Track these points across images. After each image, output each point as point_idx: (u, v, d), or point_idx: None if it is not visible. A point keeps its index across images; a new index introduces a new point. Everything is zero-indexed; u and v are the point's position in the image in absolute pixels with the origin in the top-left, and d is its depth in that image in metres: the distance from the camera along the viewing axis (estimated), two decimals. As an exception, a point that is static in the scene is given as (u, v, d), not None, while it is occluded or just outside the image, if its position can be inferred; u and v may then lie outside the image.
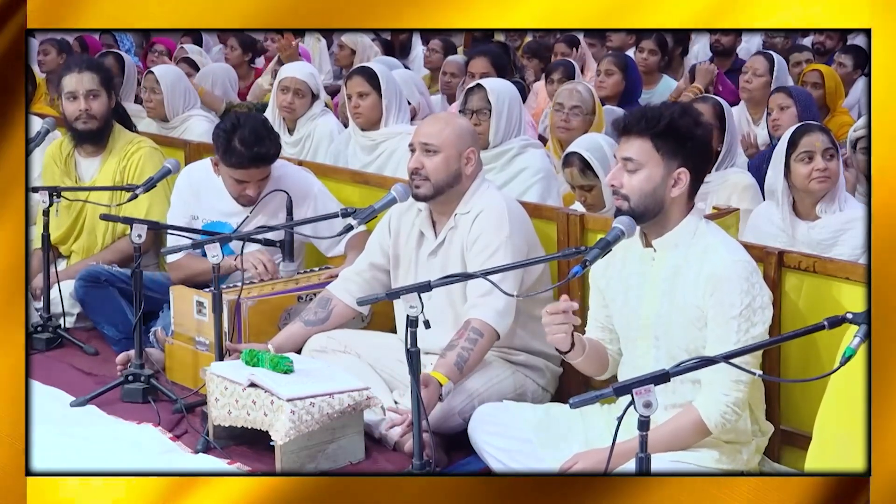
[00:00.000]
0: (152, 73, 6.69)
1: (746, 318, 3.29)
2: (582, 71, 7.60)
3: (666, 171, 3.35)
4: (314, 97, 6.03)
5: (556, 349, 3.49)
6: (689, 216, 3.42)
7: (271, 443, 3.74)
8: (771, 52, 7.06)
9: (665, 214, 3.40)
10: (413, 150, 4.11)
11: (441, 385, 3.77)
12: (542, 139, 6.04)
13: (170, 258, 4.91)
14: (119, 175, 5.22)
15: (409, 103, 6.21)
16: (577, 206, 4.61)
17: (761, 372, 3.18)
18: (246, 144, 4.62)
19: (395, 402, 4.03)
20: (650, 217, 3.39)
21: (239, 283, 4.39)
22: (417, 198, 4.11)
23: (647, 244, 3.47)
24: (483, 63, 6.68)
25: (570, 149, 4.59)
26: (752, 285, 3.32)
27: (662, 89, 7.71)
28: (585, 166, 4.49)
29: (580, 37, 8.12)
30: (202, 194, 4.90)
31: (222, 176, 4.80)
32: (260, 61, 9.34)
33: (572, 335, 3.41)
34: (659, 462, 3.04)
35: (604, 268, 3.58)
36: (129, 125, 5.53)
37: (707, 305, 3.34)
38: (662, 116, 3.35)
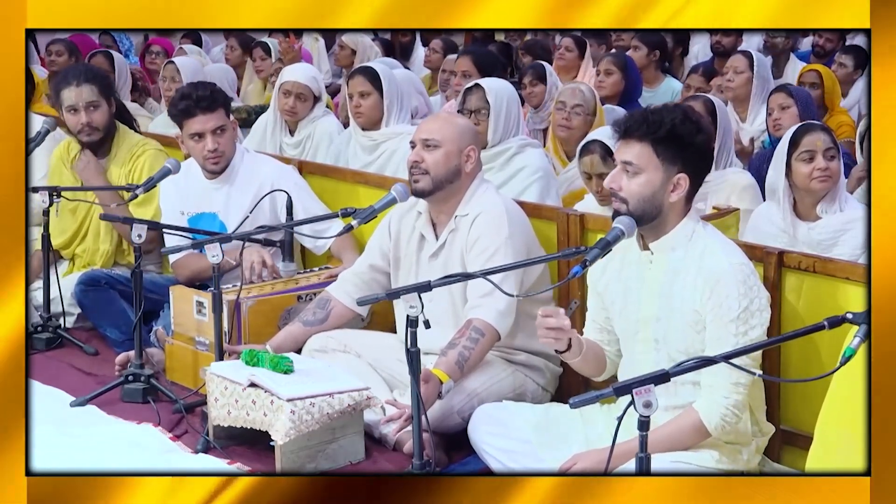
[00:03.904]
0: (173, 62, 6.74)
1: (744, 321, 3.29)
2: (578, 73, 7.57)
3: (665, 177, 3.35)
4: (316, 100, 6.00)
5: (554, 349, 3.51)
6: (686, 219, 3.42)
7: (271, 443, 3.74)
8: (749, 50, 7.04)
9: (663, 218, 3.39)
10: (413, 147, 4.12)
11: (441, 382, 3.78)
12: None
13: (172, 258, 4.92)
14: (125, 178, 5.19)
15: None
16: (586, 201, 4.59)
17: (761, 372, 3.20)
18: (184, 94, 4.85)
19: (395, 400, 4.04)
20: (648, 221, 3.39)
21: (238, 284, 4.40)
22: (416, 192, 4.10)
23: (645, 247, 3.47)
24: (465, 62, 6.54)
25: (591, 137, 4.56)
26: (749, 288, 3.31)
27: (664, 90, 7.70)
28: (607, 153, 4.48)
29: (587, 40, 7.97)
30: (182, 188, 4.95)
31: (189, 150, 4.88)
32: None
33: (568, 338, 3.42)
34: (659, 462, 3.03)
35: (601, 271, 3.59)
36: (132, 123, 5.47)
37: (705, 309, 3.34)
38: (664, 122, 3.33)
